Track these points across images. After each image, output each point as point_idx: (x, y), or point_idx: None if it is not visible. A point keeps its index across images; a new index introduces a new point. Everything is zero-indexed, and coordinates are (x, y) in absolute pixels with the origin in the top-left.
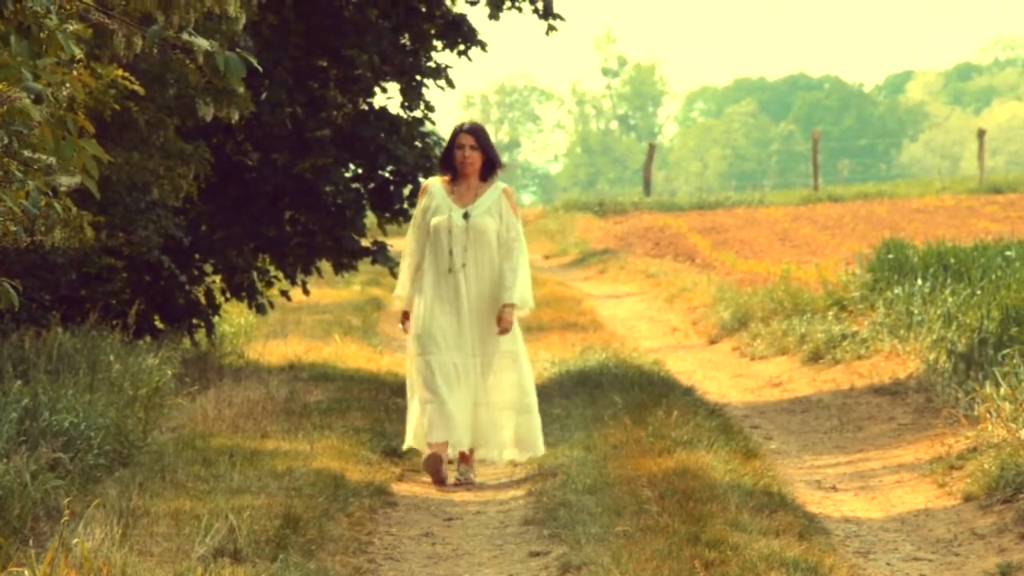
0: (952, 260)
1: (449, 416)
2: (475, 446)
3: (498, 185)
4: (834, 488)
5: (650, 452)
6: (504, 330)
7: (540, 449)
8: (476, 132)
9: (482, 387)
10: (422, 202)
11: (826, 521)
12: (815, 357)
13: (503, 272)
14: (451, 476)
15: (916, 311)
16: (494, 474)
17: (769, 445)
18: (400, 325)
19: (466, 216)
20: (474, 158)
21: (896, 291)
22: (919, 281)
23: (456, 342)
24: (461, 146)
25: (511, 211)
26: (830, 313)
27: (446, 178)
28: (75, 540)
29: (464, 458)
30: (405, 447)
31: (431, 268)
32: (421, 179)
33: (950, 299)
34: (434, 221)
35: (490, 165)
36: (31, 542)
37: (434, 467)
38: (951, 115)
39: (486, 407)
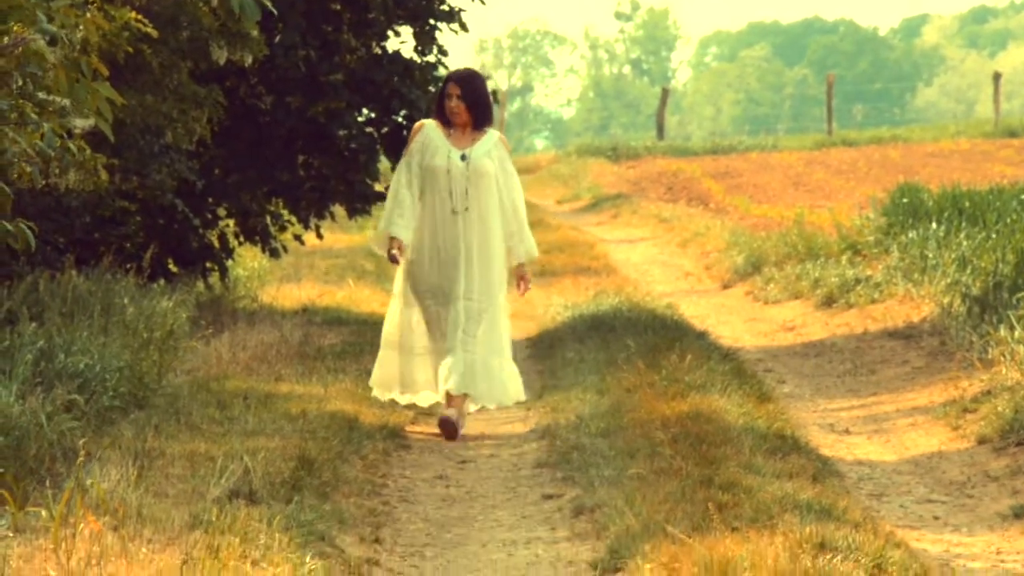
0: (967, 204)
1: (434, 368)
2: (467, 392)
3: (492, 133)
4: (847, 431)
5: (663, 396)
6: (527, 289)
7: (522, 394)
8: (462, 82)
9: (471, 332)
10: (416, 141)
11: (839, 464)
12: (829, 301)
13: (518, 229)
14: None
15: (930, 255)
16: (507, 417)
17: (782, 389)
18: (391, 252)
19: (464, 158)
20: (460, 109)
21: (910, 235)
22: (933, 225)
23: (453, 288)
24: (449, 95)
25: (507, 158)
26: (844, 257)
27: (441, 122)
28: (91, 481)
29: (453, 402)
30: (371, 384)
31: (429, 213)
32: None
33: (965, 243)
34: (432, 163)
35: (480, 115)
36: (48, 482)
37: (449, 429)
38: (966, 58)
39: (475, 354)
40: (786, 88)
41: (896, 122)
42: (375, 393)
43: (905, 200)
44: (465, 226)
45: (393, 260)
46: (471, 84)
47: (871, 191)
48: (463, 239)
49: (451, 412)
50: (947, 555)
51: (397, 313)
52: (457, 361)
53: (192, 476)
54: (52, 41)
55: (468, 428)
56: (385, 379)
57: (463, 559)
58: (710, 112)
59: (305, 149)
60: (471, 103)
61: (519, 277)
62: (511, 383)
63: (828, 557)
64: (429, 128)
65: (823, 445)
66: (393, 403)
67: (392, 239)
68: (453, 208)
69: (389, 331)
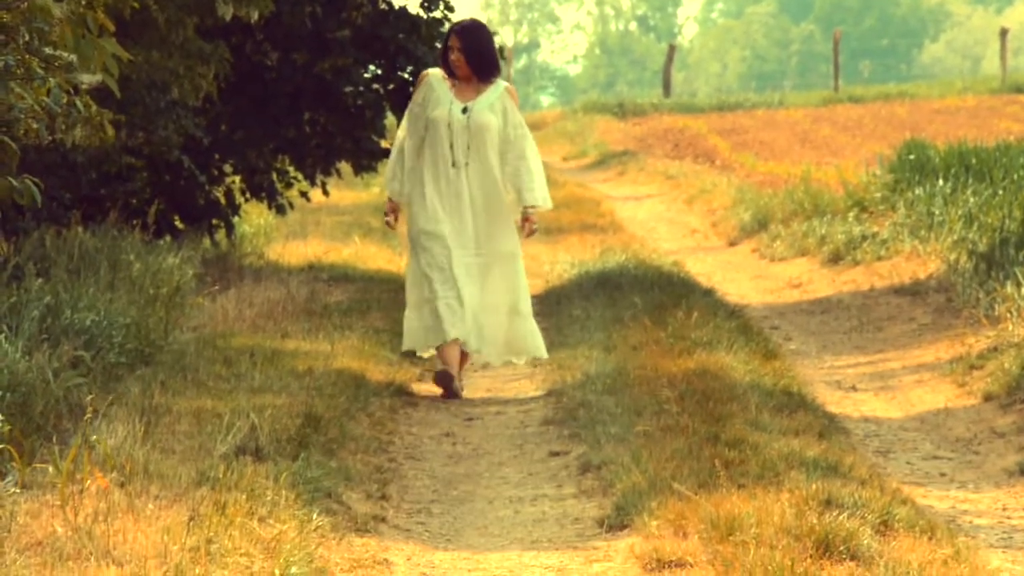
0: (974, 160)
1: (455, 312)
2: (476, 348)
3: (500, 83)
4: (854, 388)
5: (670, 353)
6: (531, 232)
7: (542, 352)
8: (463, 34)
9: (481, 288)
10: (420, 92)
11: (846, 421)
12: (835, 258)
13: (518, 172)
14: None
15: (937, 211)
16: (513, 375)
17: (789, 346)
18: (385, 217)
19: (465, 111)
20: (461, 61)
21: (917, 192)
22: (940, 181)
23: (458, 241)
24: (451, 48)
25: (515, 109)
26: (850, 214)
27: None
28: (98, 437)
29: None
30: (404, 349)
31: (430, 164)
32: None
33: (971, 199)
34: (433, 114)
35: (483, 67)
36: (54, 439)
37: (446, 381)
38: (973, 14)
39: (484, 309)
40: (792, 44)
41: (903, 78)
42: (413, 348)
43: (912, 157)
44: (468, 181)
45: (387, 219)
46: (472, 36)
47: (878, 148)
48: (467, 193)
49: (449, 367)
50: (953, 511)
51: (410, 268)
52: (466, 317)
53: (199, 433)
54: None
55: (473, 388)
56: (415, 334)
57: (469, 516)
58: (716, 69)
59: (311, 106)
60: (472, 55)
61: (525, 219)
62: (530, 339)
63: (834, 514)
64: (433, 78)
65: (829, 402)
66: (400, 360)
67: (389, 202)
68: (454, 162)
69: (408, 287)
